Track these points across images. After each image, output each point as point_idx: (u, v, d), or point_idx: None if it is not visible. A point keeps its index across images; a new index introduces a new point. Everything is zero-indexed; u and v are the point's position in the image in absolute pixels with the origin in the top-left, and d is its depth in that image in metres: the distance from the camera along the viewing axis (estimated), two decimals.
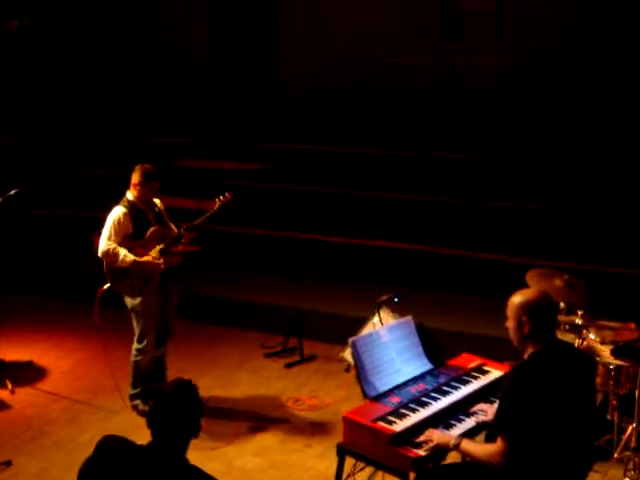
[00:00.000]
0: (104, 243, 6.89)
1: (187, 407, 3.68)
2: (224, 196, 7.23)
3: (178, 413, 3.64)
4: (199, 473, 3.61)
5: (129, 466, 3.58)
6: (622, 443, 6.23)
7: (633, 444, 6.21)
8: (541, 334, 4.47)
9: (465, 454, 4.65)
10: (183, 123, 12.74)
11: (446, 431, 4.86)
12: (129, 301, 7.12)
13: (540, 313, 4.48)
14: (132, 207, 7.00)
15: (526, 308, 4.47)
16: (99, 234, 6.96)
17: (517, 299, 4.55)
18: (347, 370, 8.03)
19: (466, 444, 4.59)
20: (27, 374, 8.17)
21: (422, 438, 4.72)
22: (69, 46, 13.10)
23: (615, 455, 6.23)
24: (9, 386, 7.75)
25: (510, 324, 4.58)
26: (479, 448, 4.54)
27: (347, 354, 7.43)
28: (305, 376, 8.28)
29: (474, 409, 5.14)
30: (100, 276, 7.08)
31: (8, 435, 6.95)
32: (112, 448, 3.70)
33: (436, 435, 4.72)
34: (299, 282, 10.13)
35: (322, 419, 7.33)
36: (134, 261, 6.86)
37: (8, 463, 6.40)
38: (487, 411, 5.09)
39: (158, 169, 7.17)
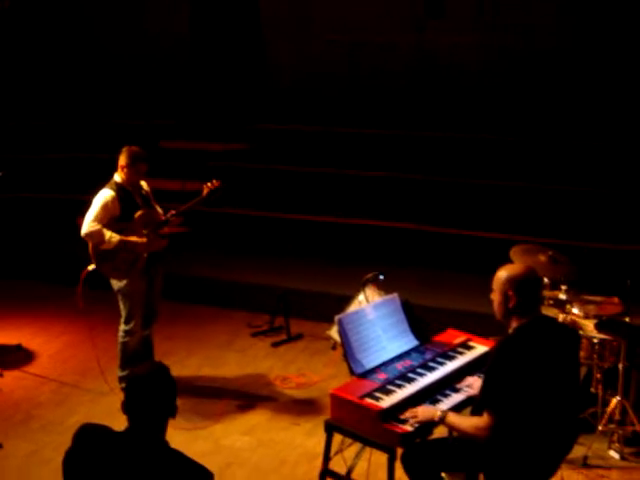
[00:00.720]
0: (89, 225, 6.83)
1: (161, 389, 3.65)
2: (212, 183, 7.17)
3: (153, 395, 3.62)
4: (179, 456, 3.59)
5: (109, 453, 3.57)
6: (606, 416, 6.29)
7: (617, 417, 6.29)
8: (526, 308, 4.52)
9: (451, 427, 4.70)
10: (168, 105, 12.70)
11: (431, 405, 4.90)
12: (115, 283, 7.11)
13: (526, 288, 4.51)
14: (120, 190, 6.97)
15: (512, 282, 4.51)
16: (84, 216, 6.92)
17: (503, 273, 4.58)
18: (334, 348, 8.05)
19: (452, 417, 4.63)
20: (16, 357, 8.17)
21: (407, 414, 4.76)
22: (51, 29, 13.00)
23: (599, 428, 6.29)
24: None
25: (495, 297, 4.62)
26: (465, 421, 4.59)
27: (333, 332, 7.44)
28: (292, 354, 8.32)
29: (462, 384, 5.18)
30: (86, 259, 7.07)
31: None
32: (91, 436, 3.69)
33: (420, 410, 4.76)
34: (285, 261, 10.16)
35: (309, 397, 7.38)
36: (120, 240, 6.83)
37: None
38: (473, 384, 5.14)
39: (145, 151, 7.15)
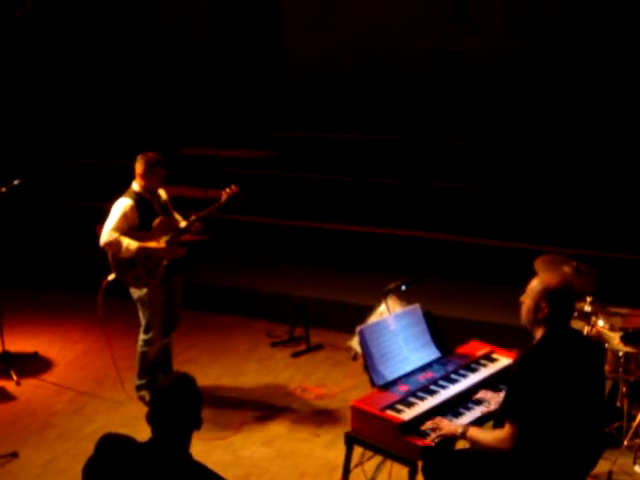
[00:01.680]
0: (107, 234, 6.79)
1: (186, 400, 3.61)
2: (230, 188, 7.11)
3: (178, 407, 3.57)
4: (202, 469, 3.55)
5: (132, 463, 3.53)
6: (632, 430, 6.19)
7: None
8: (555, 321, 4.43)
9: (472, 442, 4.60)
10: (188, 111, 12.70)
11: (454, 419, 4.82)
12: (135, 292, 7.07)
13: (560, 301, 4.43)
14: (138, 198, 6.93)
15: (547, 294, 4.42)
16: (102, 224, 6.88)
17: (540, 283, 4.49)
18: (354, 359, 7.98)
19: (473, 432, 4.55)
20: (32, 365, 8.14)
21: (429, 425, 4.69)
22: (71, 35, 13.07)
23: (625, 442, 6.18)
24: (14, 377, 7.72)
25: (527, 303, 4.52)
26: (487, 435, 4.50)
27: (354, 343, 7.35)
28: (312, 365, 8.25)
29: (477, 396, 5.10)
30: (103, 267, 7.03)
31: (14, 426, 6.92)
32: (113, 446, 3.65)
33: (444, 424, 4.68)
34: (305, 270, 10.11)
35: (329, 408, 7.30)
36: (139, 247, 6.79)
37: (14, 454, 6.37)
38: (490, 399, 5.06)
39: (161, 155, 7.09)
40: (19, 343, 8.52)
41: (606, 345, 6.10)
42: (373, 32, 11.70)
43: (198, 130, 12.66)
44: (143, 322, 7.16)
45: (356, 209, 10.85)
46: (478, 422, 4.85)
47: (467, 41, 11.21)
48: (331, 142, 11.92)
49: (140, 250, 6.81)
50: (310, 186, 11.34)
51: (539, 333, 4.48)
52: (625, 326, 6.46)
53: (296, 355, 8.46)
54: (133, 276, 6.95)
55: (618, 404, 6.35)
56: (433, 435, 4.63)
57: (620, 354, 6.20)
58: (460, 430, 4.58)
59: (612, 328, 6.48)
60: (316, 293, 9.31)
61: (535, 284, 4.51)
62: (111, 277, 7.02)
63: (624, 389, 6.30)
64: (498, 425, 4.52)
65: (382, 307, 6.59)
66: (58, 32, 13.00)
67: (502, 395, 4.97)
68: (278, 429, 6.94)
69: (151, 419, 3.59)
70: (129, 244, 6.77)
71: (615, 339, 6.30)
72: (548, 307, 4.40)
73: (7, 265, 9.64)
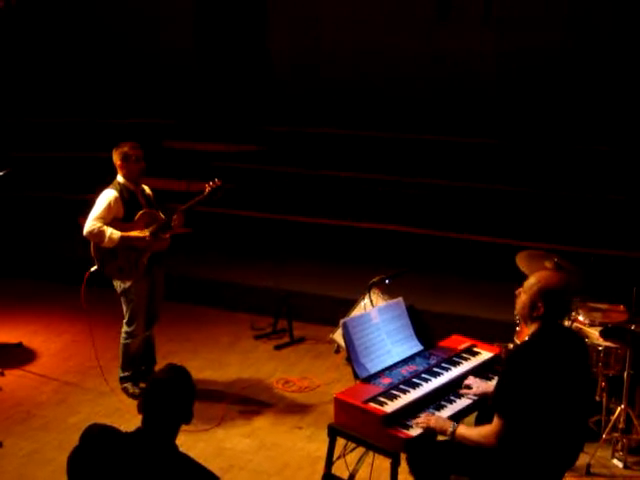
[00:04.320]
0: (91, 223, 6.80)
1: (181, 393, 3.64)
2: (214, 182, 7.15)
3: (172, 400, 3.59)
4: (188, 460, 3.58)
5: (117, 454, 3.54)
6: (610, 424, 6.26)
7: (621, 425, 6.25)
8: (549, 319, 4.48)
9: (461, 440, 4.59)
10: (172, 104, 12.70)
11: (436, 412, 4.86)
12: (118, 284, 7.08)
13: (555, 300, 4.46)
14: (123, 190, 6.95)
15: (544, 293, 4.44)
16: (86, 216, 6.89)
17: (538, 281, 4.51)
18: (337, 351, 8.05)
19: (461, 429, 4.58)
20: (17, 356, 8.15)
21: (420, 420, 4.73)
22: (56, 26, 13.03)
23: (603, 436, 6.26)
24: None
25: (522, 298, 4.55)
26: (473, 431, 4.55)
27: (337, 335, 7.44)
28: (295, 358, 8.29)
29: (466, 383, 5.16)
30: (87, 259, 7.05)
31: None
32: (99, 436, 3.66)
33: (434, 419, 4.72)
34: (288, 264, 10.12)
35: (312, 401, 7.33)
36: (121, 237, 6.80)
37: None
38: (473, 384, 5.12)
39: (136, 143, 7.11)
40: (3, 334, 8.54)
41: (586, 340, 6.16)
42: (358, 27, 11.72)
43: (182, 124, 12.65)
44: (126, 314, 7.17)
45: (340, 203, 10.88)
46: (460, 415, 4.90)
47: (450, 37, 11.25)
48: (316, 137, 11.95)
49: (123, 240, 6.82)
50: (294, 180, 11.38)
51: (532, 329, 4.53)
52: (605, 321, 6.54)
53: (279, 348, 8.49)
54: (116, 268, 6.96)
55: (597, 398, 6.43)
56: (422, 425, 4.68)
57: (600, 349, 6.28)
58: (451, 429, 4.60)
59: (592, 323, 6.56)
60: (299, 286, 9.34)
61: (533, 281, 4.53)
62: (94, 268, 7.02)
63: (603, 384, 6.39)
64: (481, 418, 4.57)
65: (365, 300, 6.66)
66: (44, 24, 12.96)
67: (489, 384, 5.06)
68: (261, 421, 6.97)
69: (144, 409, 3.61)
70: (112, 233, 6.78)
71: (595, 334, 6.39)
72: (543, 306, 4.43)
73: None
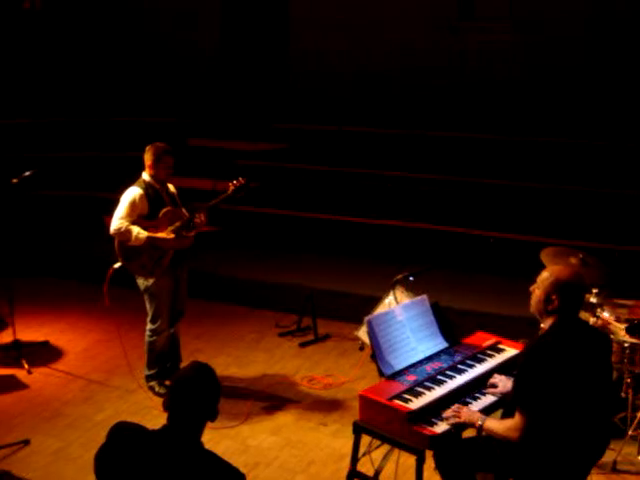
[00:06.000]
0: (117, 221, 6.86)
1: (206, 391, 3.65)
2: (238, 180, 7.20)
3: (197, 398, 3.61)
4: (214, 457, 3.60)
5: (144, 451, 3.56)
6: (636, 421, 6.21)
7: None
8: (565, 312, 4.48)
9: (489, 432, 4.62)
10: (196, 103, 12.75)
11: (473, 408, 4.87)
12: (141, 282, 7.12)
13: (570, 293, 4.48)
14: (148, 187, 6.99)
15: (557, 286, 4.46)
16: (111, 215, 6.94)
17: (550, 275, 4.53)
18: (361, 349, 8.04)
19: (489, 422, 4.60)
20: (44, 354, 8.21)
21: (449, 412, 4.75)
22: (81, 27, 13.12)
23: (629, 432, 6.22)
24: (26, 366, 7.78)
25: (537, 293, 4.57)
26: (499, 424, 4.56)
27: (361, 333, 7.42)
28: (319, 355, 8.30)
29: (491, 381, 5.15)
30: (112, 257, 7.09)
31: (25, 415, 6.97)
32: (126, 434, 3.69)
33: (464, 412, 4.73)
34: (313, 261, 10.17)
35: (336, 398, 7.35)
36: (148, 237, 6.84)
37: (26, 442, 6.43)
38: (498, 383, 5.12)
39: (169, 146, 7.16)
40: (30, 332, 8.60)
41: (612, 336, 6.13)
42: (376, 27, 11.72)
43: (207, 122, 12.69)
44: (150, 312, 7.21)
45: (365, 201, 10.89)
46: (485, 412, 4.89)
47: (470, 35, 11.23)
48: (339, 134, 11.96)
49: (148, 239, 6.86)
50: (318, 178, 11.39)
51: (548, 323, 4.54)
52: (631, 317, 6.50)
53: (303, 345, 8.51)
54: (139, 264, 6.99)
55: (623, 395, 6.38)
56: (452, 420, 4.69)
57: (625, 345, 6.24)
58: (479, 421, 4.62)
59: (617, 319, 6.51)
60: (324, 284, 9.36)
61: (546, 275, 4.55)
62: (117, 265, 7.06)
63: (629, 380, 6.33)
64: (507, 414, 4.57)
65: (389, 298, 6.65)
66: (68, 25, 13.05)
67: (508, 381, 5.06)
68: (286, 418, 6.99)
69: (169, 407, 3.63)
70: (139, 233, 6.83)
71: (621, 330, 6.34)
72: (558, 299, 4.45)
73: (19, 255, 9.68)
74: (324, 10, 12.14)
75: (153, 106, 12.88)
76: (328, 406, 7.21)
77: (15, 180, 7.90)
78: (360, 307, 7.54)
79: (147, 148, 7.07)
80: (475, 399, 5.02)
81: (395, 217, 10.45)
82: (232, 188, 7.15)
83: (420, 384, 5.02)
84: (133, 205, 6.90)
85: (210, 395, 3.68)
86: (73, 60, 13.04)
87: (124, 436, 3.68)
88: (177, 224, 7.00)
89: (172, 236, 6.95)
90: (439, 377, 5.14)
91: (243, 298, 9.62)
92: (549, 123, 10.77)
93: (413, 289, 6.80)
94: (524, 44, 10.91)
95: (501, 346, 5.66)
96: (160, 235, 6.93)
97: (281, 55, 12.69)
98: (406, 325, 5.37)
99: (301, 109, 12.34)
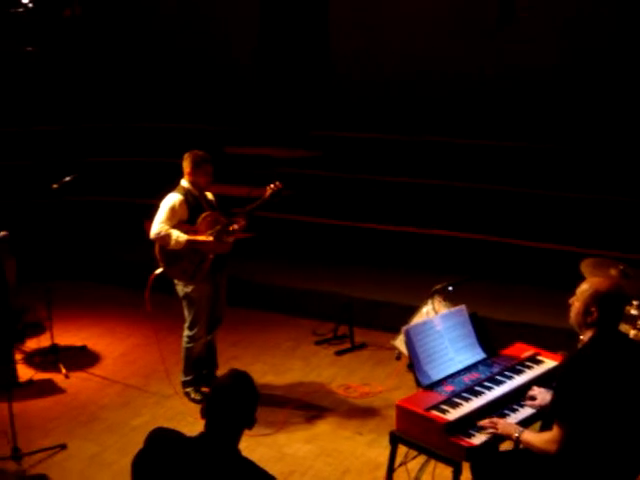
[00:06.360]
0: (157, 225, 6.89)
1: (244, 399, 3.65)
2: (275, 184, 7.23)
3: (235, 405, 3.61)
4: (250, 465, 3.59)
5: (181, 458, 3.57)
6: None
7: None
8: (605, 325, 4.43)
9: (526, 445, 4.58)
10: (234, 111, 12.79)
11: (511, 421, 4.82)
12: (181, 288, 7.15)
13: (610, 306, 4.43)
14: (187, 194, 7.03)
15: (597, 298, 4.41)
16: (151, 219, 6.97)
17: (590, 287, 4.48)
18: (398, 358, 7.97)
19: (527, 434, 4.55)
20: (81, 359, 8.26)
21: (485, 422, 4.71)
22: (120, 34, 13.22)
23: None
24: (63, 370, 7.85)
25: (576, 306, 4.52)
26: (536, 437, 4.51)
27: (398, 342, 7.37)
28: (356, 364, 8.28)
29: (530, 393, 5.10)
30: (151, 263, 7.12)
31: (62, 419, 7.02)
32: (163, 440, 3.70)
33: (501, 424, 4.69)
34: (350, 270, 10.14)
35: (373, 407, 7.33)
36: (188, 240, 6.86)
37: (63, 446, 6.48)
38: (537, 395, 5.06)
39: (207, 153, 7.19)
40: (68, 336, 8.66)
41: None
42: (418, 32, 11.70)
43: (243, 129, 12.73)
44: (188, 319, 7.23)
45: (404, 210, 10.85)
46: (523, 424, 4.84)
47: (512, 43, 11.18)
48: (375, 142, 11.95)
49: (188, 243, 6.89)
50: (357, 186, 11.37)
51: (587, 336, 4.49)
52: None
53: (340, 353, 8.49)
54: (180, 270, 7.02)
55: None
56: (490, 430, 4.66)
57: None
58: (516, 433, 4.58)
59: None
60: (361, 292, 9.33)
61: (585, 287, 4.50)
62: (158, 271, 7.09)
63: None
64: (546, 427, 4.52)
65: (427, 307, 6.60)
66: (110, 33, 13.16)
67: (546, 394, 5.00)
68: (322, 427, 6.98)
69: (207, 414, 3.63)
70: (178, 236, 6.86)
71: None
72: (598, 311, 4.40)
73: (58, 260, 9.78)
74: (364, 16, 12.13)
75: (191, 114, 12.96)
76: (364, 415, 7.19)
77: (55, 185, 7.97)
78: (397, 316, 7.50)
79: (185, 155, 7.10)
80: (513, 411, 4.97)
81: (436, 226, 10.39)
82: (269, 192, 7.17)
83: (458, 395, 4.98)
84: (173, 210, 6.93)
85: (248, 403, 3.67)
86: (114, 67, 13.14)
87: (162, 442, 3.69)
88: (217, 228, 7.03)
89: (211, 239, 6.97)
90: (477, 388, 5.10)
91: (280, 306, 9.62)
92: (591, 131, 10.68)
93: (451, 299, 6.77)
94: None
95: (540, 358, 5.61)
96: (200, 238, 6.95)
97: (321, 62, 12.68)
98: (444, 335, 5.34)
99: (341, 117, 12.32)
